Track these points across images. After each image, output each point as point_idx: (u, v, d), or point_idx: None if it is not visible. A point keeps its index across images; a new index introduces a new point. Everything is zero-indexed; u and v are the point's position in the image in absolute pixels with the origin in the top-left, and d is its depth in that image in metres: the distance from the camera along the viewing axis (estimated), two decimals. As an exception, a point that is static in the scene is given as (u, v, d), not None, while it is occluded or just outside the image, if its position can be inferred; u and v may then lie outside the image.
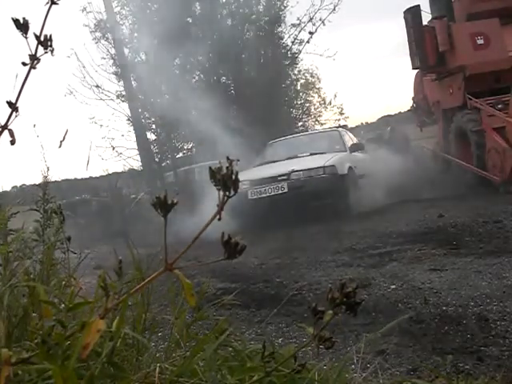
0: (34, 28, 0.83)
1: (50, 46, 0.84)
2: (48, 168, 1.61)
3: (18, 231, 1.40)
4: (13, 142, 0.86)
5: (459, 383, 1.39)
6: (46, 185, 1.61)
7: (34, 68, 0.84)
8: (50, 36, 0.83)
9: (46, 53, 0.84)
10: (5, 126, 0.85)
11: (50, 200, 1.58)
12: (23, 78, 0.85)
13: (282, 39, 15.52)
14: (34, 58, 0.83)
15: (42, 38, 0.82)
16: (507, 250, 3.73)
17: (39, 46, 0.83)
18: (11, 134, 0.85)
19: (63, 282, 1.17)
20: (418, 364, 2.03)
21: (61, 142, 1.29)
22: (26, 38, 0.82)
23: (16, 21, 0.82)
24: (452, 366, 1.93)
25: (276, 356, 0.95)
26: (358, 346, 1.29)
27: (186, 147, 15.68)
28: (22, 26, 0.82)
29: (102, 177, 14.58)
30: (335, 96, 17.64)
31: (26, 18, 0.83)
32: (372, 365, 1.46)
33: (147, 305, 1.10)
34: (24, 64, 0.84)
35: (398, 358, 2.12)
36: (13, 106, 0.85)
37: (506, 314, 2.46)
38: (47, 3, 0.84)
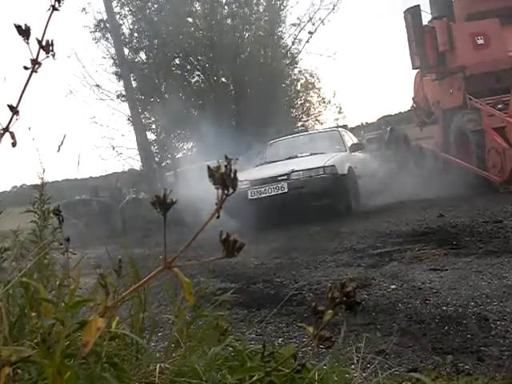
0: (34, 28, 0.84)
1: (52, 50, 0.84)
2: (44, 170, 1.62)
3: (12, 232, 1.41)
4: (14, 145, 0.86)
5: (459, 383, 1.39)
6: (42, 186, 1.61)
7: (36, 72, 0.84)
8: (52, 41, 0.84)
9: (47, 57, 0.84)
10: (6, 129, 0.85)
11: (47, 201, 1.58)
12: (22, 80, 0.85)
13: (283, 39, 15.54)
14: (36, 63, 0.83)
15: (43, 43, 0.83)
16: (507, 250, 3.73)
17: (41, 51, 0.83)
18: (13, 136, 0.86)
19: (58, 282, 1.16)
20: (418, 364, 2.03)
21: (59, 146, 1.29)
22: (28, 43, 0.82)
23: (18, 27, 0.82)
24: (452, 365, 1.93)
25: (276, 356, 0.95)
26: (358, 346, 1.29)
27: (185, 147, 15.71)
28: (24, 32, 0.82)
29: (101, 177, 14.60)
30: (334, 95, 17.71)
31: (28, 25, 0.83)
32: (372, 365, 1.46)
33: (145, 303, 1.10)
34: (26, 68, 0.84)
35: (398, 357, 2.11)
36: (14, 110, 0.85)
37: (506, 313, 2.45)
38: (49, 9, 0.84)
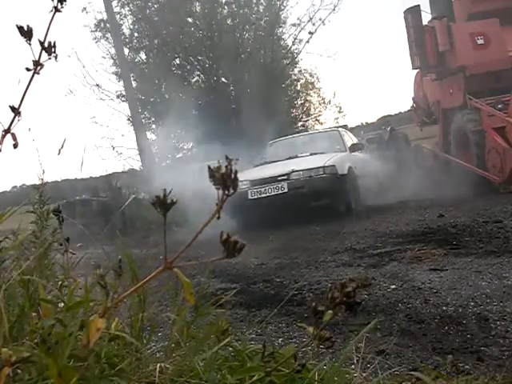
0: (35, 28, 0.83)
1: (54, 52, 0.84)
2: (44, 171, 1.62)
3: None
4: (16, 146, 0.86)
5: (459, 383, 1.39)
6: (42, 187, 1.62)
7: (38, 74, 0.84)
8: (54, 43, 0.84)
9: (49, 59, 0.84)
10: (8, 130, 0.85)
11: (47, 202, 1.59)
12: (23, 80, 0.85)
13: (283, 39, 15.55)
14: (38, 64, 0.83)
15: (45, 44, 0.82)
16: (507, 250, 3.73)
17: (43, 52, 0.83)
18: (14, 137, 0.86)
19: (59, 282, 1.16)
20: (418, 364, 2.02)
21: (59, 150, 1.30)
22: (30, 44, 0.82)
23: (20, 28, 0.82)
24: (452, 365, 1.93)
25: (276, 356, 0.95)
26: (358, 346, 1.29)
27: (185, 147, 15.71)
28: (26, 33, 0.82)
29: (101, 177, 14.57)
30: (334, 95, 17.72)
31: (30, 26, 0.83)
32: (372, 365, 1.46)
33: (144, 303, 1.10)
34: (28, 70, 0.84)
35: (398, 357, 2.11)
36: (16, 111, 0.85)
37: (506, 313, 2.45)
38: (51, 11, 0.84)
